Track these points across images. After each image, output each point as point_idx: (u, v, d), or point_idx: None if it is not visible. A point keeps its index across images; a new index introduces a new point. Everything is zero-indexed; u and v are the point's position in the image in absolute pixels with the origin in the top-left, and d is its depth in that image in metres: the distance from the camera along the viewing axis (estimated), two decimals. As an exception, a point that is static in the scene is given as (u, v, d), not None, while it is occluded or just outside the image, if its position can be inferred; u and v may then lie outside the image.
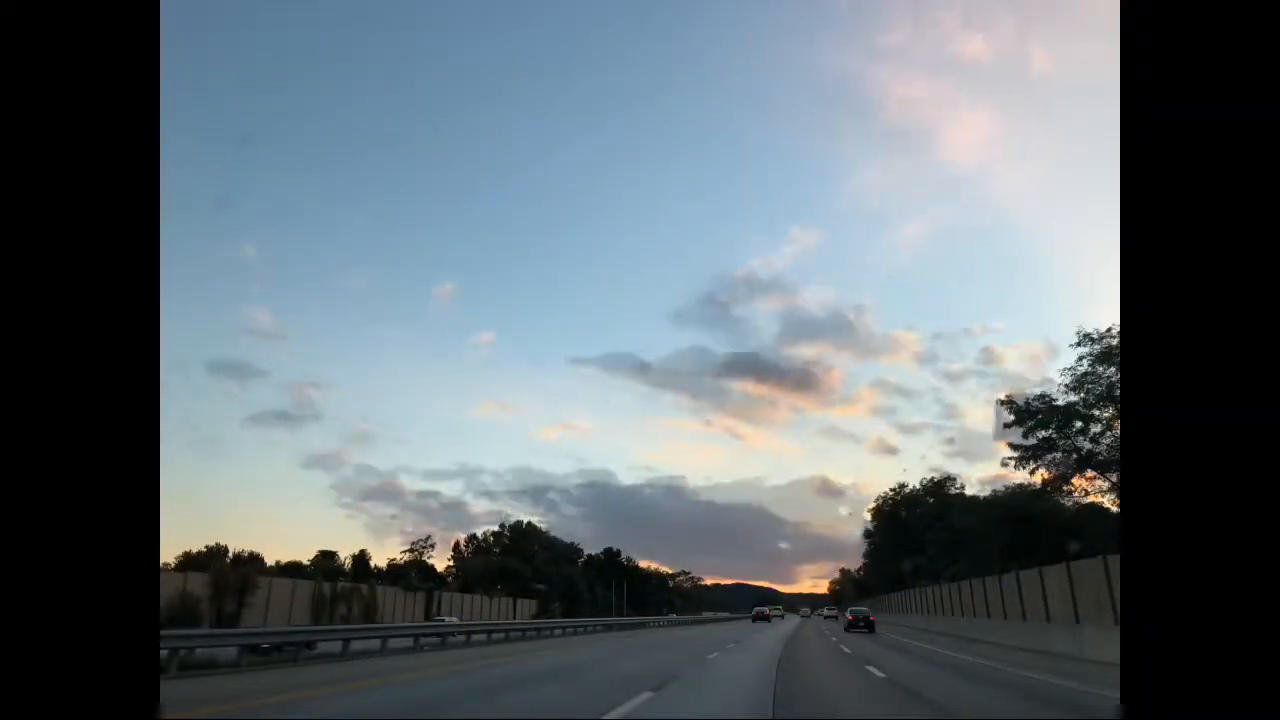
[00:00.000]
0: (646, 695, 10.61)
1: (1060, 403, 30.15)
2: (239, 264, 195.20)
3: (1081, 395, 29.35)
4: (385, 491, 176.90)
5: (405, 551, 77.70)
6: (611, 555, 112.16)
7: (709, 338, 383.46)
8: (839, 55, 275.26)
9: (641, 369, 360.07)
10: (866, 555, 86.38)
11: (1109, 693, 11.43)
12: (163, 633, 13.97)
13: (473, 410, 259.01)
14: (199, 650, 16.25)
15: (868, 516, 79.26)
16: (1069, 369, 29.48)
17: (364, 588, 48.61)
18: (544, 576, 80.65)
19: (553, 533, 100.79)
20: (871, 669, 16.00)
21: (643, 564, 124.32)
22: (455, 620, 40.17)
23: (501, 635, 31.64)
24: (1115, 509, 29.99)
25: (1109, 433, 28.84)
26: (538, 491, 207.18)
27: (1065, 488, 31.77)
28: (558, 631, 38.71)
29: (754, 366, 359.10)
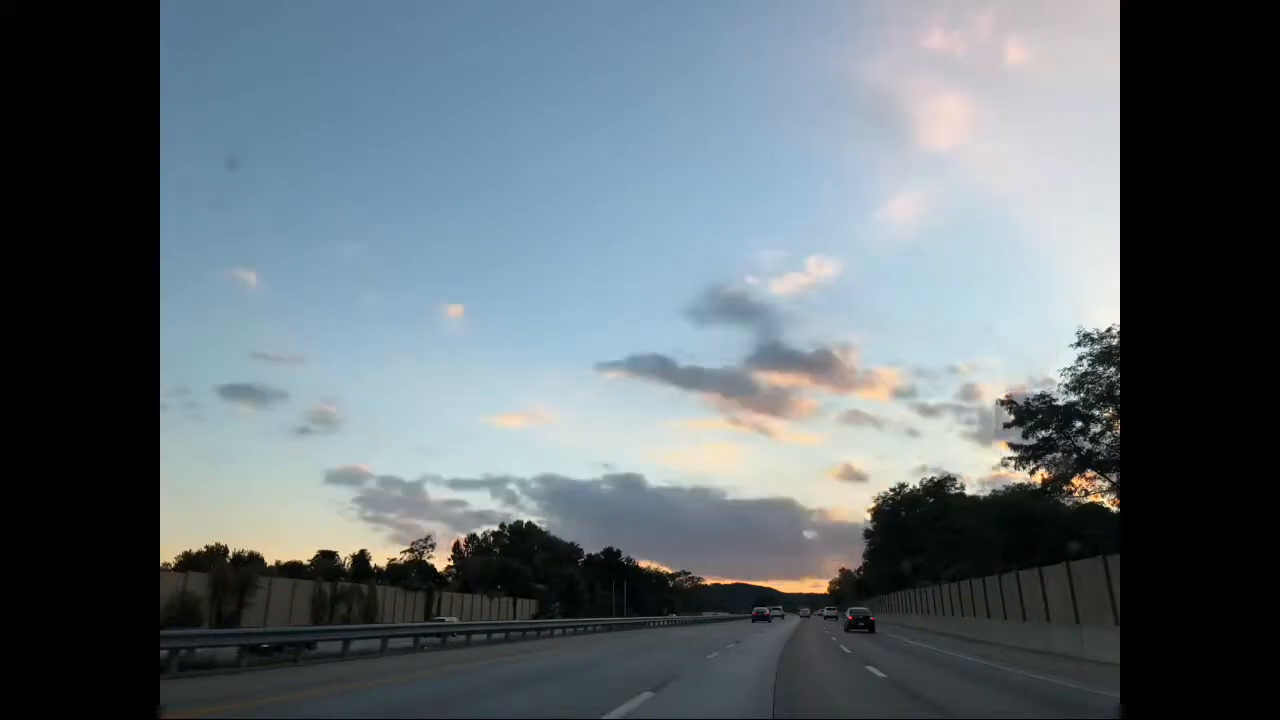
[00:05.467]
0: (647, 695, 10.61)
1: (1060, 403, 30.16)
2: (243, 283, 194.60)
3: (1081, 395, 29.36)
4: (410, 502, 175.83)
5: (405, 551, 77.88)
6: (611, 555, 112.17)
7: (720, 333, 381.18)
8: (836, 51, 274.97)
9: (658, 370, 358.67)
10: (866, 555, 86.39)
11: (1109, 693, 11.42)
12: (163, 633, 13.97)
13: (495, 419, 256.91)
14: (199, 650, 16.26)
15: (868, 516, 79.37)
16: (1069, 369, 29.52)
17: (364, 588, 48.59)
18: (544, 576, 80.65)
19: (560, 535, 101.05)
20: (871, 669, 16.00)
21: (642, 564, 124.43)
22: (455, 620, 40.16)
23: (501, 635, 31.65)
24: (1115, 509, 29.99)
25: (1109, 433, 28.84)
26: (562, 497, 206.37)
27: (1065, 488, 31.76)
28: (558, 632, 38.71)
29: (774, 356, 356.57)
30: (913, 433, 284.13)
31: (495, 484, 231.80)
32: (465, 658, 19.50)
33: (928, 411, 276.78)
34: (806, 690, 12.17)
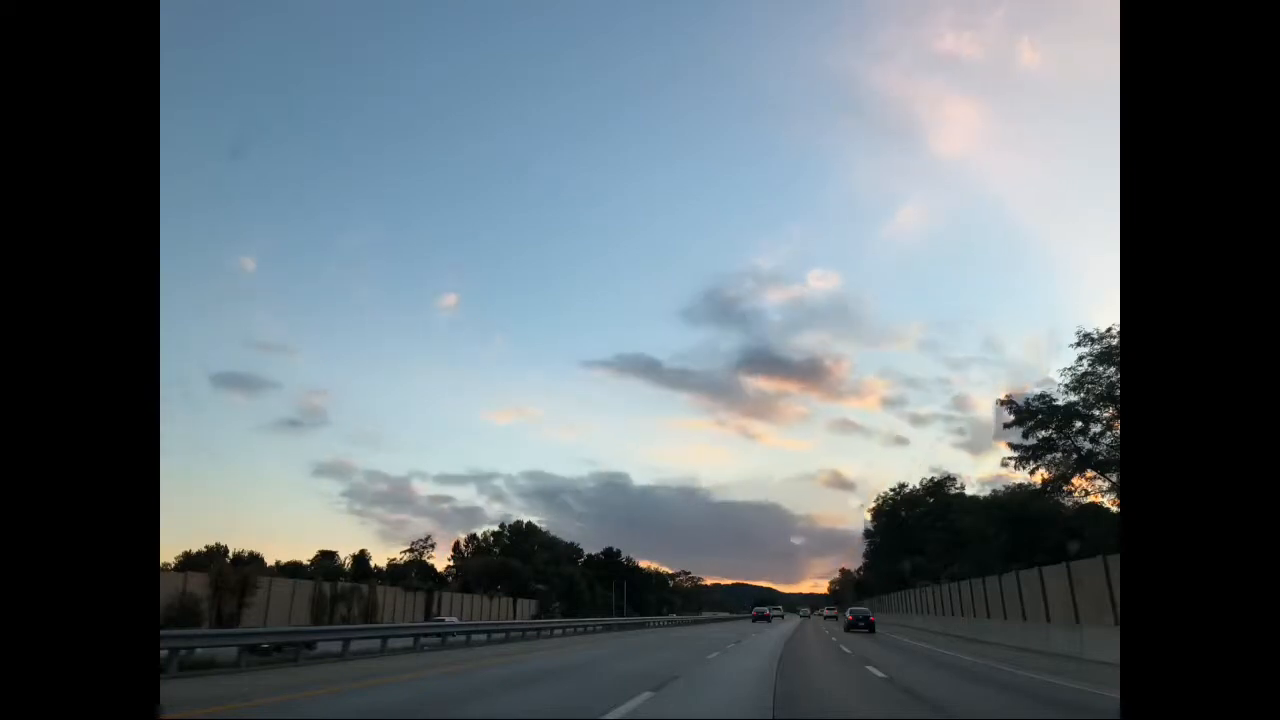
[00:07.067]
0: (647, 695, 10.62)
1: (1060, 403, 30.18)
2: (240, 270, 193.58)
3: (1081, 395, 29.39)
4: (397, 497, 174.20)
5: (405, 551, 77.95)
6: (611, 555, 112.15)
7: (711, 336, 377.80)
8: (835, 51, 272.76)
9: (646, 369, 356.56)
10: (866, 555, 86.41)
11: (1109, 693, 11.43)
12: (163, 633, 13.97)
13: (483, 414, 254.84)
14: (199, 650, 16.25)
15: (868, 516, 79.38)
16: (1069, 369, 29.56)
17: (364, 588, 48.57)
18: (544, 576, 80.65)
19: (555, 534, 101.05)
20: (871, 669, 16.00)
21: (643, 564, 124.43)
22: (455, 620, 40.12)
23: (502, 635, 31.64)
24: (1115, 509, 30.01)
25: (1109, 433, 28.87)
26: (550, 494, 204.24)
27: (1065, 488, 31.78)
28: (558, 632, 38.72)
29: (764, 362, 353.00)
30: (900, 440, 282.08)
31: (482, 479, 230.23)
32: (465, 658, 19.50)
33: (917, 420, 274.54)
34: (806, 690, 12.17)
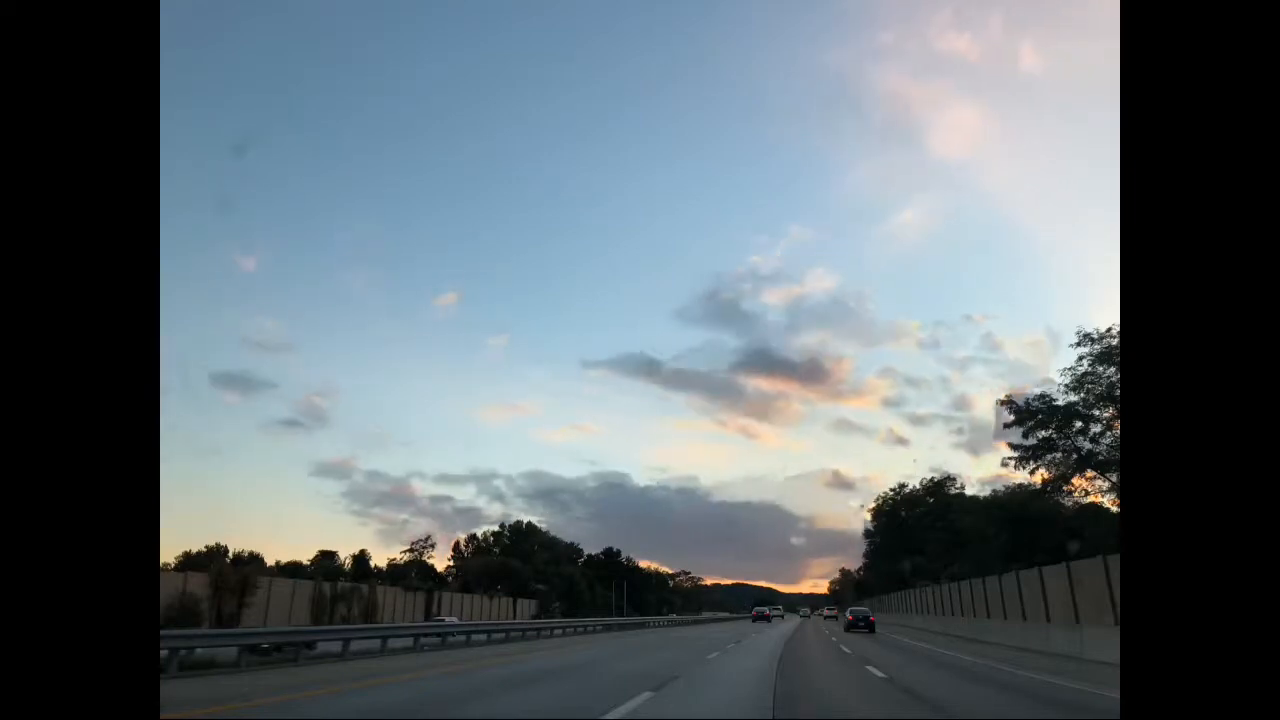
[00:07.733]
0: (647, 695, 10.62)
1: (1060, 403, 30.19)
2: (240, 270, 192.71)
3: (1081, 395, 29.41)
4: (397, 497, 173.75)
5: (405, 551, 77.94)
6: (611, 555, 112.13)
7: (711, 336, 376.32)
8: (834, 52, 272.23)
9: (646, 369, 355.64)
10: (866, 555, 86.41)
11: (1109, 693, 11.43)
12: (163, 633, 13.97)
13: (482, 414, 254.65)
14: (199, 650, 16.25)
15: (868, 516, 79.40)
16: (1069, 369, 29.59)
17: (364, 588, 48.55)
18: (544, 576, 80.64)
19: (555, 533, 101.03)
20: (871, 669, 16.00)
21: (642, 564, 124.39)
22: (455, 620, 40.10)
23: (502, 635, 31.64)
24: (1115, 509, 30.01)
25: (1109, 433, 28.88)
26: (549, 494, 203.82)
27: (1065, 488, 31.79)
28: (558, 632, 38.72)
29: (764, 362, 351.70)
30: (901, 441, 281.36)
31: (482, 479, 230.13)
32: (465, 658, 19.50)
33: (917, 420, 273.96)
34: (806, 690, 12.17)
